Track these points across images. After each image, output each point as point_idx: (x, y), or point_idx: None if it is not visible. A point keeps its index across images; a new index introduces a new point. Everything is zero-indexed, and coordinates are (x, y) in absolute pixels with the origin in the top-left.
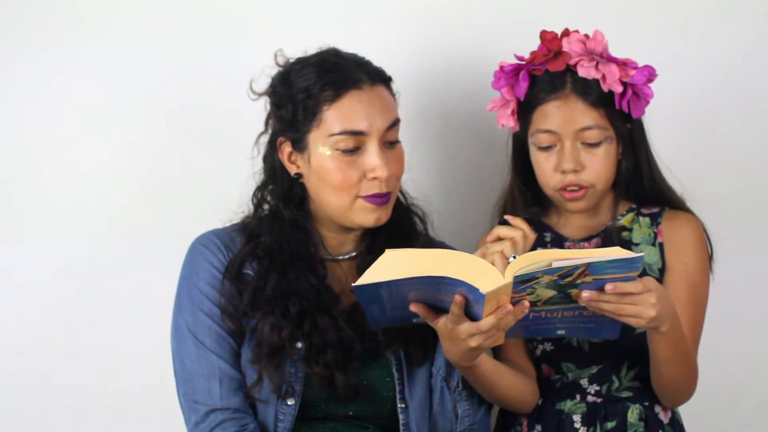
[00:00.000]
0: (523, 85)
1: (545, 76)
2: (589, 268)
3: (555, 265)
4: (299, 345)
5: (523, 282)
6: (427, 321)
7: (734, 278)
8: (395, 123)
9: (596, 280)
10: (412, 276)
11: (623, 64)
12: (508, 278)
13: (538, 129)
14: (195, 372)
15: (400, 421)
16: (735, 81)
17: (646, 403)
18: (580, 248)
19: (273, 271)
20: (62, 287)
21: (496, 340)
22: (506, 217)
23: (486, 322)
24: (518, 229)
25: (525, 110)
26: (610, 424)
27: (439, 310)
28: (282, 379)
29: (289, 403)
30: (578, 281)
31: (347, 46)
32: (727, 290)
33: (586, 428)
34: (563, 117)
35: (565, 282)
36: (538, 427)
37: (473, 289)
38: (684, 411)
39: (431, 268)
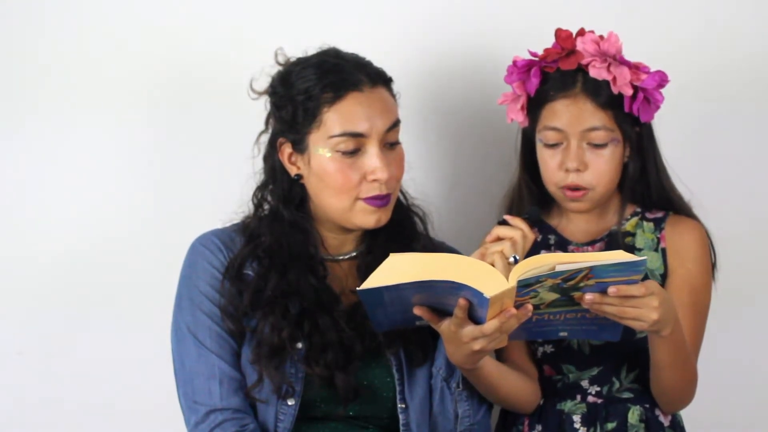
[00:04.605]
0: (534, 81)
1: (556, 74)
2: (592, 271)
3: (558, 268)
4: (299, 345)
5: (526, 286)
6: (430, 324)
7: (736, 285)
8: (395, 124)
9: (599, 283)
10: (416, 280)
11: (635, 68)
12: (512, 282)
13: (545, 126)
14: (195, 372)
15: (400, 422)
16: (739, 85)
17: (647, 405)
18: (583, 252)
19: (273, 272)
20: (62, 287)
21: (499, 343)
22: (505, 217)
23: (489, 325)
24: (518, 229)
25: (534, 106)
26: (610, 425)
27: (443, 312)
28: (282, 379)
29: (289, 403)
30: (581, 284)
31: (348, 46)
32: (728, 296)
33: (586, 428)
34: (571, 116)
35: (568, 285)
36: (539, 427)
37: (477, 294)
38: (685, 414)
39: (435, 272)
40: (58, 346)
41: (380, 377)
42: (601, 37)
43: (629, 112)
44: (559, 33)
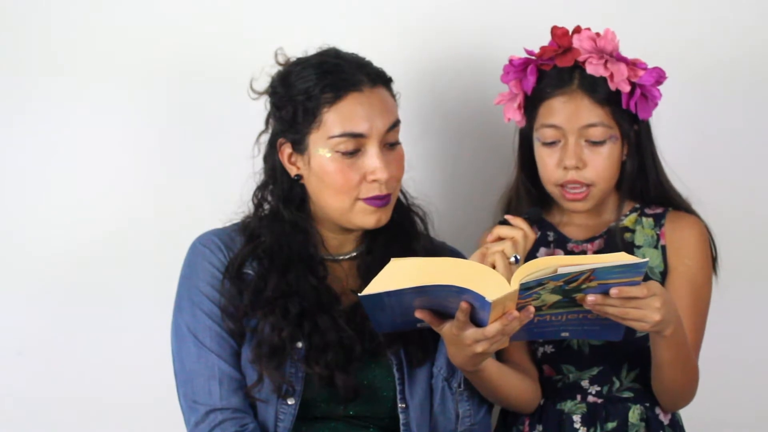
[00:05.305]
0: (531, 79)
1: (553, 71)
2: (594, 273)
3: (561, 271)
4: (299, 345)
5: (528, 288)
6: (432, 327)
7: (737, 281)
8: (395, 124)
9: (601, 284)
10: (418, 285)
11: (632, 64)
12: (515, 286)
13: (543, 124)
14: (195, 372)
15: (401, 421)
16: (739, 83)
17: (647, 404)
18: (583, 249)
19: (273, 272)
20: (62, 287)
21: (501, 345)
22: (506, 216)
23: (492, 328)
24: (518, 228)
25: (531, 104)
26: (610, 425)
27: (444, 315)
28: (282, 379)
29: (289, 403)
30: (583, 286)
31: (348, 46)
32: (730, 294)
33: (586, 428)
34: (569, 112)
35: (571, 287)
36: (539, 427)
37: (479, 297)
38: (684, 413)
39: (437, 277)
40: (58, 346)
41: (380, 377)
42: (598, 34)
43: (627, 108)
44: (555, 30)
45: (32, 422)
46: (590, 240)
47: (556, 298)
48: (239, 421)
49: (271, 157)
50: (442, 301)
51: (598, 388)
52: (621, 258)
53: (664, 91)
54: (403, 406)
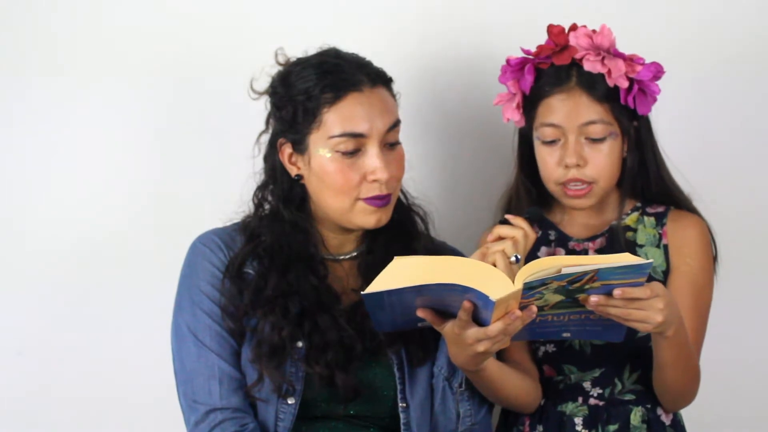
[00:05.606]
0: (529, 79)
1: (551, 70)
2: (598, 273)
3: (564, 271)
4: (300, 344)
5: (531, 288)
6: (433, 326)
7: (738, 280)
8: (395, 125)
9: (604, 285)
10: (421, 284)
11: (630, 60)
12: (518, 285)
13: (542, 122)
14: (195, 372)
15: (401, 421)
16: (740, 80)
17: (649, 405)
18: (584, 247)
19: (273, 271)
20: (62, 287)
21: (502, 345)
22: (507, 216)
23: (494, 327)
24: (519, 228)
25: (530, 104)
26: (612, 427)
27: (446, 314)
28: (282, 378)
29: (289, 402)
30: (586, 286)
31: (347, 46)
32: (730, 292)
33: (587, 431)
34: (568, 110)
35: (574, 287)
36: (540, 428)
37: (483, 296)
38: (685, 413)
39: (440, 276)
40: (58, 346)
41: (381, 376)
42: (594, 31)
43: (626, 104)
44: (551, 29)
45: (32, 422)
46: (592, 238)
47: (558, 298)
48: (239, 420)
49: (271, 157)
50: (443, 300)
51: (600, 391)
52: (625, 259)
53: (664, 90)
54: (404, 405)
